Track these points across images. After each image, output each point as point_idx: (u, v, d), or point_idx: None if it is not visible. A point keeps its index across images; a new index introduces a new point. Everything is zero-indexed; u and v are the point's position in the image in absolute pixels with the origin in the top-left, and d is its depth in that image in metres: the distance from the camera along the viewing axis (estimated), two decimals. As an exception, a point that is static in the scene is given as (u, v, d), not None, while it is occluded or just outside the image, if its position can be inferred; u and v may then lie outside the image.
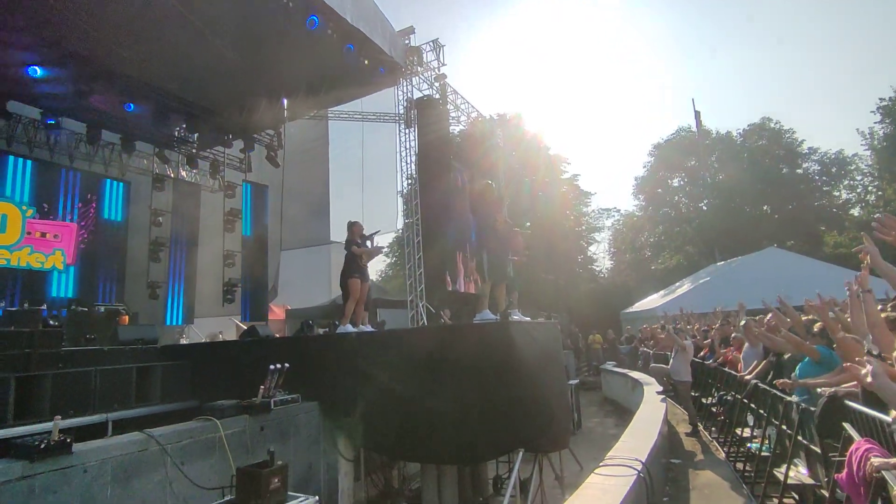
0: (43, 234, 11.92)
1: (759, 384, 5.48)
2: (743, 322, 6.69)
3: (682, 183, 32.45)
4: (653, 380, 9.48)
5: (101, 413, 5.80)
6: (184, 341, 12.89)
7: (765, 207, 29.45)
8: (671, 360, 8.47)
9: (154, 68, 11.29)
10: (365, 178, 16.87)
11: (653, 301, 20.75)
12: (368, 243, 6.90)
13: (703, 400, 8.58)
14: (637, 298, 23.29)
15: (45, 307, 10.49)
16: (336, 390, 5.65)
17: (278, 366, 5.12)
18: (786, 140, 29.36)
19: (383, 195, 16.81)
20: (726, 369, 7.40)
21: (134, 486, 3.69)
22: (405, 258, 12.67)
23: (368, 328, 6.90)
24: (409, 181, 13.23)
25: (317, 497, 3.42)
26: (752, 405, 5.70)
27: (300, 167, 16.82)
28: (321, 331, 10.76)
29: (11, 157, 11.68)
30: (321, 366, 5.86)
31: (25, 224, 11.49)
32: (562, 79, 69.77)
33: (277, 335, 10.40)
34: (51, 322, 7.94)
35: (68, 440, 3.38)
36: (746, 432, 5.81)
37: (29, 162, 11.99)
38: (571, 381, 9.99)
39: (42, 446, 3.21)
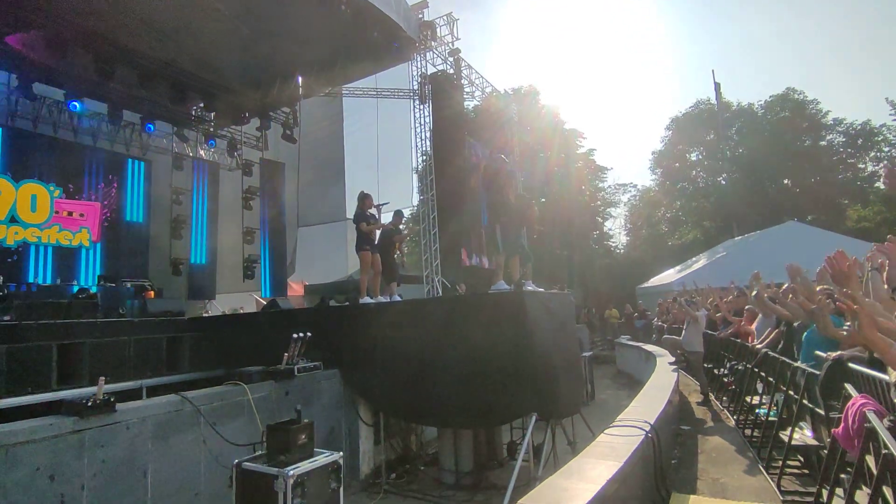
0: (69, 213, 12.34)
1: (769, 352, 5.57)
2: (755, 293, 6.73)
3: (700, 157, 31.83)
4: (666, 352, 9.59)
5: (135, 380, 6.15)
6: (205, 315, 13.33)
7: (786, 181, 28.83)
8: (683, 332, 8.56)
9: (171, 48, 11.44)
10: (380, 155, 16.98)
11: (669, 276, 20.70)
12: (374, 213, 7.11)
13: (716, 371, 8.69)
14: (653, 274, 23.23)
15: (75, 283, 10.95)
16: (356, 358, 5.89)
17: (300, 334, 5.36)
18: (810, 111, 28.52)
19: (398, 171, 16.94)
20: (738, 340, 7.48)
21: (171, 443, 3.97)
22: (420, 234, 12.83)
23: (397, 298, 7.02)
24: (424, 157, 13.29)
25: (341, 453, 3.66)
26: (762, 373, 5.80)
27: (316, 144, 16.96)
28: (338, 305, 11.06)
29: (37, 138, 12.01)
30: (341, 335, 6.10)
31: (53, 204, 11.91)
32: (577, 52, 68.19)
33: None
34: (84, 295, 8.31)
35: (112, 399, 3.65)
36: (756, 400, 5.92)
37: (54, 142, 12.32)
38: (585, 353, 10.16)
39: (89, 404, 3.49)
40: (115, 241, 13.19)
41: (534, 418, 4.91)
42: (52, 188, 11.98)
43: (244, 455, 3.90)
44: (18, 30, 9.46)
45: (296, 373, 5.23)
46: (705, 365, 8.79)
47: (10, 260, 10.98)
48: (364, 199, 6.96)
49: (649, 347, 11.21)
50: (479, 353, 5.06)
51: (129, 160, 13.92)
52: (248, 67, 12.63)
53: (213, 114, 14.80)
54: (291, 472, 3.17)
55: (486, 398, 5.00)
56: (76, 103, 12.07)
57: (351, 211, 20.06)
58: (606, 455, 3.20)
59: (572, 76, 62.36)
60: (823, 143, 28.33)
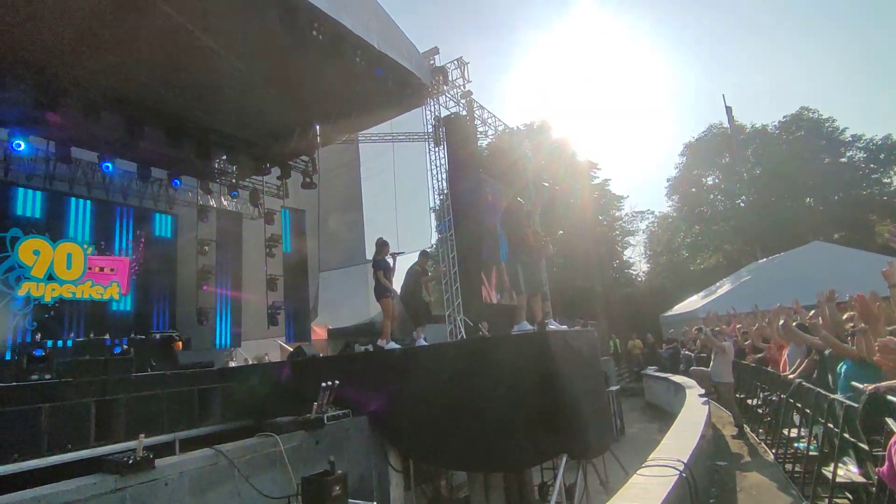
0: (101, 269, 12.88)
1: (803, 382, 5.46)
2: (781, 322, 6.64)
3: (716, 180, 31.73)
4: (695, 383, 9.40)
5: (169, 433, 6.25)
6: (232, 364, 13.50)
7: (808, 200, 28.42)
8: (711, 363, 8.41)
9: (195, 106, 12.06)
10: (397, 197, 17.35)
11: (693, 303, 20.34)
12: (390, 261, 7.24)
13: (749, 401, 8.46)
14: (676, 301, 22.85)
15: (108, 336, 11.27)
16: (383, 404, 5.92)
17: (329, 383, 5.44)
18: (826, 129, 28.35)
19: (416, 212, 17.37)
20: (769, 369, 7.32)
21: (208, 497, 4.03)
22: (441, 273, 12.96)
23: (422, 342, 7.09)
24: (441, 197, 13.56)
25: (374, 503, 3.68)
26: (798, 404, 5.66)
27: (334, 190, 17.44)
28: (362, 348, 11.14)
29: (73, 199, 12.63)
30: (367, 381, 6.15)
31: (87, 261, 12.45)
32: (587, 85, 69.35)
33: (321, 354, 10.83)
34: (117, 350, 8.55)
35: (151, 456, 3.76)
36: (794, 432, 5.76)
37: (88, 202, 12.92)
38: (612, 388, 10.00)
39: (130, 462, 3.59)
40: (143, 293, 13.60)
41: (564, 459, 4.86)
42: (85, 246, 12.56)
43: (279, 508, 3.94)
44: (58, 101, 10.10)
45: (325, 421, 5.28)
46: (737, 395, 8.58)
47: (47, 316, 11.43)
48: (382, 246, 7.13)
49: (677, 378, 10.98)
50: (504, 396, 5.07)
51: (157, 214, 14.49)
52: (268, 120, 13.19)
53: (235, 166, 15.40)
54: (327, 526, 3.21)
55: (513, 441, 4.97)
56: (108, 164, 12.71)
57: (370, 253, 20.45)
58: (641, 497, 3.17)
59: (583, 108, 63.21)
60: (843, 159, 28.00)
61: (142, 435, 3.82)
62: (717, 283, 21.60)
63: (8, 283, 11.07)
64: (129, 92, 11.01)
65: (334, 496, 3.46)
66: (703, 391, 8.67)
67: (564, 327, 6.08)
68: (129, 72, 10.12)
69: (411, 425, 5.68)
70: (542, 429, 4.82)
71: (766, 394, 7.38)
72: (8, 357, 10.05)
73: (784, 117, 29.70)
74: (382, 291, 6.95)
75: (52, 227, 12.01)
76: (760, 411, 7.76)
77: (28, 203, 11.83)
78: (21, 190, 11.68)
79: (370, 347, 10.72)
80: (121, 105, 11.21)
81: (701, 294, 21.13)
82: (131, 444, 3.74)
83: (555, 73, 72.35)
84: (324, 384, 5.39)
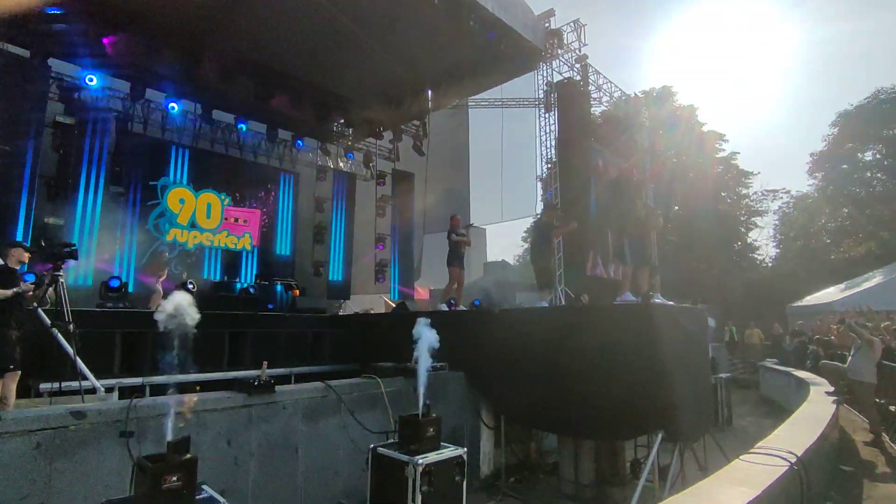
0: (236, 220, 14.37)
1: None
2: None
3: (877, 156, 27.20)
4: (823, 380, 8.45)
5: (286, 367, 7.00)
6: (341, 313, 14.59)
7: None
8: (850, 358, 7.50)
9: (317, 72, 12.82)
10: (504, 164, 17.23)
11: (829, 295, 18.10)
12: (465, 232, 7.85)
13: (891, 408, 7.47)
14: (808, 291, 20.45)
15: (238, 280, 12.70)
16: (480, 362, 6.09)
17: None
18: None
19: (522, 180, 17.07)
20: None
21: (318, 425, 4.49)
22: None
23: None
24: (549, 165, 13.22)
25: (465, 448, 3.86)
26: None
27: (443, 155, 17.72)
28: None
29: (213, 156, 14.20)
30: (467, 339, 6.33)
31: (224, 211, 13.99)
32: (722, 47, 62.40)
33: (422, 312, 11.32)
34: (248, 291, 9.63)
35: (272, 381, 4.25)
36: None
37: (225, 158, 14.45)
38: (722, 375, 9.33)
39: (256, 384, 4.10)
40: (268, 244, 15.05)
41: (659, 437, 4.68)
42: (223, 197, 14.08)
43: (378, 442, 4.28)
44: (202, 66, 11.28)
45: (424, 371, 5.56)
46: (877, 400, 7.59)
47: (189, 261, 13.10)
48: (452, 219, 8.10)
49: (802, 374, 9.93)
50: (602, 365, 4.97)
51: (282, 173, 15.79)
52: (383, 85, 13.66)
53: (351, 129, 16.22)
54: (420, 461, 3.44)
55: (608, 410, 4.88)
56: (242, 125, 14.05)
57: (475, 219, 20.66)
58: (741, 481, 2.97)
59: (714, 74, 57.23)
60: None
61: (265, 363, 4.32)
62: (864, 276, 18.90)
63: (159, 228, 12.78)
64: (259, 57, 11.96)
65: (428, 436, 3.69)
66: (832, 389, 7.79)
67: (671, 303, 5.75)
68: (257, 35, 10.97)
69: (506, 384, 5.80)
70: (638, 402, 4.68)
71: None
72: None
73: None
74: (451, 259, 7.80)
75: (195, 179, 13.60)
76: (903, 419, 6.84)
77: (178, 159, 13.50)
78: (173, 147, 13.34)
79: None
80: (252, 69, 12.24)
81: (841, 286, 18.68)
82: (256, 371, 4.24)
83: (681, 32, 65.91)
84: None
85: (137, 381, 5.45)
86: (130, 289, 11.61)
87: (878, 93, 26.77)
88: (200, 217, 13.57)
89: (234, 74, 11.97)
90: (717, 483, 2.96)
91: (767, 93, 59.82)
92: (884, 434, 7.12)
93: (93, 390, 4.55)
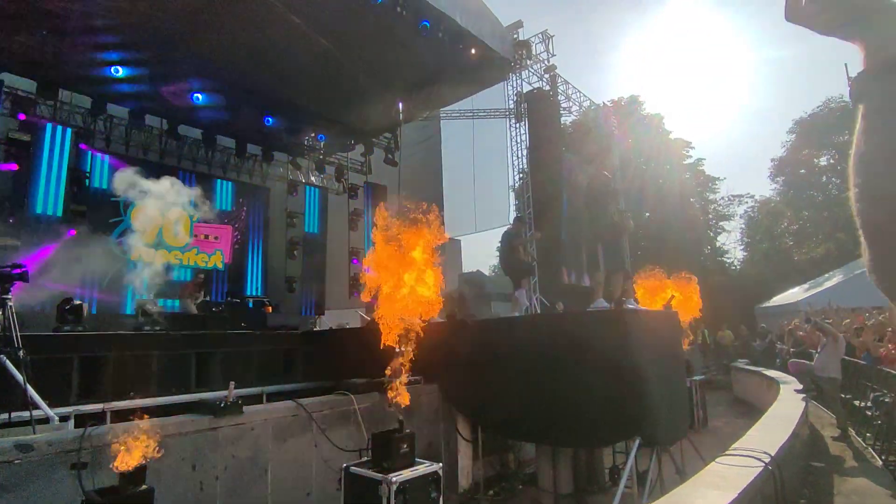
0: (206, 236, 13.99)
1: (924, 384, 4.84)
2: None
3: (831, 161, 28.42)
4: (792, 379, 8.64)
5: (257, 386, 6.78)
6: (315, 330, 14.33)
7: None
8: (816, 356, 7.69)
9: (287, 86, 12.68)
10: (476, 174, 17.30)
11: (794, 295, 18.65)
12: None
13: (856, 402, 7.67)
14: (775, 292, 21.04)
15: (207, 297, 12.33)
16: (455, 373, 6.01)
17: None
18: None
19: (495, 190, 17.12)
20: (884, 368, 6.57)
21: (288, 444, 4.35)
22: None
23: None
24: (521, 175, 13.34)
25: (441, 464, 3.77)
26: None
27: (416, 167, 17.71)
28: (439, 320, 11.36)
29: (180, 172, 13.84)
30: (440, 350, 6.25)
31: (193, 227, 13.61)
32: (684, 57, 64.58)
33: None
34: (215, 310, 9.37)
35: (240, 402, 4.10)
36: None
37: (193, 175, 14.09)
38: (696, 377, 9.44)
39: (223, 405, 3.94)
40: (240, 260, 14.72)
41: (637, 443, 4.67)
42: (191, 213, 13.67)
43: (351, 460, 4.16)
44: (170, 81, 11.06)
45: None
46: (842, 395, 7.80)
47: (156, 282, 12.62)
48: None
49: (772, 373, 10.15)
50: (577, 373, 4.95)
51: (252, 188, 15.53)
52: (353, 98, 13.59)
53: (322, 143, 16.09)
54: (394, 479, 3.33)
55: (585, 418, 4.86)
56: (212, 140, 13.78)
57: (449, 230, 20.62)
58: (718, 485, 2.97)
59: (679, 83, 59.10)
60: None
61: (232, 383, 4.16)
62: (826, 275, 19.57)
63: (122, 246, 12.12)
64: (227, 72, 11.78)
65: (402, 452, 3.59)
66: (801, 387, 7.96)
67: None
68: (226, 51, 10.80)
69: (483, 395, 5.73)
70: (614, 409, 4.66)
71: (876, 394, 6.64)
72: (129, 311, 11.36)
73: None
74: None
75: (162, 195, 13.19)
76: (869, 413, 7.02)
77: (145, 175, 13.09)
78: (139, 166, 12.94)
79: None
80: (221, 84, 12.04)
81: (805, 286, 19.30)
82: (224, 392, 4.09)
83: (647, 44, 68.01)
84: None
85: (98, 407, 5.19)
86: (93, 310, 11.21)
87: (828, 101, 28.11)
88: (167, 234, 13.15)
89: (202, 90, 11.76)
90: (695, 488, 2.95)
91: (730, 101, 62.03)
92: (850, 428, 7.30)
93: (46, 420, 4.29)
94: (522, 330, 5.88)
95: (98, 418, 4.89)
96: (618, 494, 4.58)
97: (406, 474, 3.44)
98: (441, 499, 3.67)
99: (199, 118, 13.12)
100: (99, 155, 12.15)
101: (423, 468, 3.61)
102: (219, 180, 14.75)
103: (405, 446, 3.65)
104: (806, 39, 64.66)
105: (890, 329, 6.59)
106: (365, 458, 3.85)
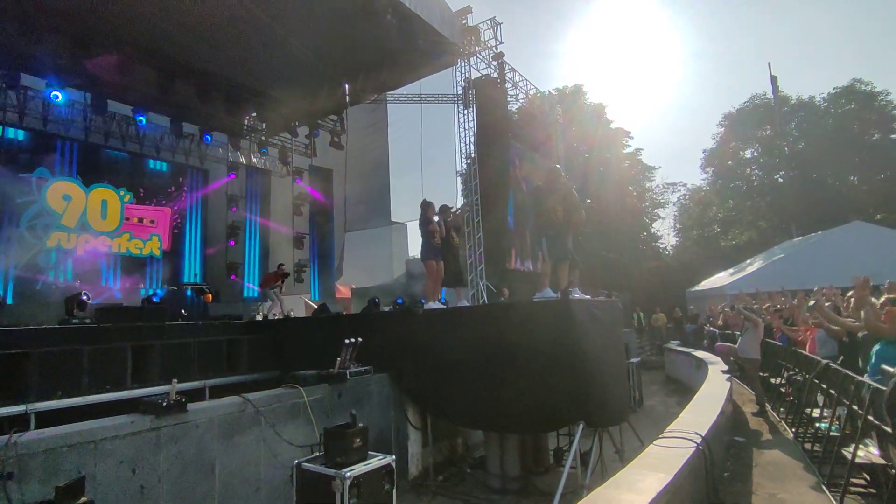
0: (140, 220, 13.06)
1: (831, 364, 5.36)
2: (812, 303, 6.47)
3: (755, 154, 30.44)
4: (718, 359, 9.31)
5: (199, 380, 6.53)
6: (258, 318, 13.92)
7: (851, 178, 27.12)
8: (739, 339, 8.30)
9: (224, 61, 12.02)
10: (424, 159, 17.23)
11: (721, 279, 19.95)
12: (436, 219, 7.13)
13: (772, 380, 8.37)
14: (704, 276, 22.44)
15: (142, 286, 11.67)
16: (404, 362, 6.05)
17: (352, 340, 5.56)
18: (879, 103, 26.66)
19: (442, 175, 17.14)
20: (797, 349, 7.20)
21: (235, 441, 4.24)
22: (465, 237, 12.92)
23: (438, 305, 7.15)
24: (468, 161, 13.39)
25: (394, 456, 3.80)
26: (823, 385, 5.58)
27: (362, 151, 17.39)
28: (386, 308, 11.31)
29: (108, 150, 12.88)
30: (389, 340, 6.27)
31: (124, 209, 12.69)
32: (625, 50, 66.64)
33: (345, 312, 11.06)
34: (153, 300, 8.88)
35: (184, 400, 3.94)
36: (816, 413, 5.70)
37: (124, 154, 13.14)
38: (633, 360, 9.97)
39: (164, 404, 3.78)
40: (176, 245, 13.99)
41: (581, 426, 4.91)
42: (122, 192, 12.73)
43: (302, 454, 4.11)
44: (91, 52, 10.19)
45: (348, 376, 5.42)
46: (761, 374, 8.49)
47: (80, 269, 11.69)
48: (426, 207, 7.08)
49: (700, 354, 10.88)
50: (525, 361, 5.11)
51: (189, 169, 14.72)
52: (297, 78, 13.10)
53: (264, 123, 15.45)
54: (348, 474, 3.34)
55: (532, 405, 5.04)
56: (142, 118, 12.87)
57: (396, 215, 20.51)
58: (656, 467, 3.19)
59: (619, 74, 61.04)
60: (895, 136, 26.47)
61: (175, 380, 3.99)
62: (748, 261, 21.07)
63: (35, 231, 11.05)
64: (160, 44, 11.02)
65: (355, 447, 3.59)
66: (726, 367, 8.60)
67: (588, 297, 6.04)
68: (158, 23, 10.08)
69: (431, 384, 5.81)
70: (560, 395, 4.87)
71: (790, 373, 7.28)
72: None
73: (834, 89, 28.04)
74: (425, 253, 6.98)
75: (86, 173, 12.15)
76: (783, 390, 7.69)
77: (65, 153, 12.05)
78: (59, 141, 11.89)
79: (392, 307, 10.88)
80: (152, 58, 11.26)
81: (730, 271, 20.69)
82: (165, 388, 3.92)
83: (591, 36, 69.64)
84: (347, 340, 5.51)
85: (20, 408, 4.83)
86: (9, 300, 10.35)
87: (753, 98, 29.97)
88: (93, 217, 12.19)
89: (130, 61, 10.94)
90: (636, 470, 3.15)
91: (665, 93, 64.90)
92: (766, 404, 7.98)
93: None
94: (471, 319, 5.99)
95: (22, 422, 4.56)
96: (563, 475, 4.80)
97: (359, 469, 3.45)
98: (394, 490, 3.71)
99: (127, 93, 12.22)
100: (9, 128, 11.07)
101: (377, 461, 3.64)
102: (151, 160, 13.88)
103: (358, 440, 3.65)
104: (732, 37, 68.32)
105: (808, 313, 7.20)
106: (317, 454, 3.82)
